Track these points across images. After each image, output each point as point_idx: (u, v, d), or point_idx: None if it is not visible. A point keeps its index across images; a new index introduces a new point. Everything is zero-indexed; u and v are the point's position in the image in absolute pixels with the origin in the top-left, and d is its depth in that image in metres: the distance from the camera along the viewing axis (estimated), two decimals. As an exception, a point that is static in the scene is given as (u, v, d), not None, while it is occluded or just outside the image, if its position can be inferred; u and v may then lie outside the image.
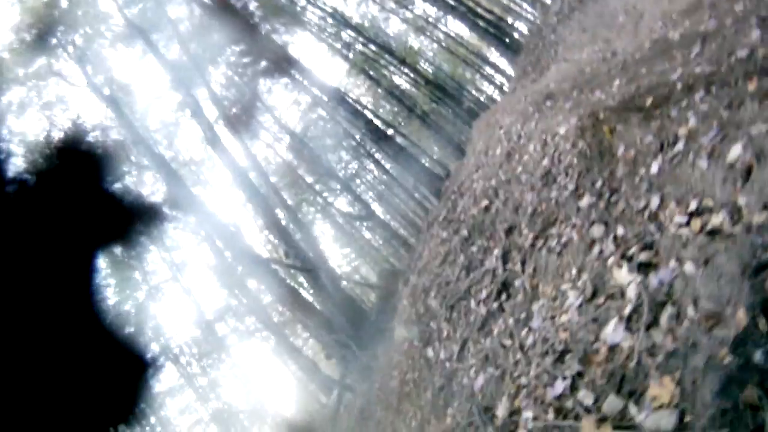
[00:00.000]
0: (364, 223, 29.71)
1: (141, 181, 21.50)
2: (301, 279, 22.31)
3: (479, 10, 21.06)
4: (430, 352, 6.44)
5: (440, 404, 5.35)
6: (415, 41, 28.54)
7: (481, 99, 27.29)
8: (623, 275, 3.17)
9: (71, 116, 19.69)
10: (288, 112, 23.86)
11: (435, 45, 28.63)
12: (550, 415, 2.95)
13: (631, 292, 3.01)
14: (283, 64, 20.57)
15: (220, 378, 28.42)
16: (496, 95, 24.96)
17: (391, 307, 11.46)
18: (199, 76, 15.98)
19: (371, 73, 25.91)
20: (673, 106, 4.07)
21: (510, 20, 24.04)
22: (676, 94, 4.24)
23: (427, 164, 20.17)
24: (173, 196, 17.70)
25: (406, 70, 25.30)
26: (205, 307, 26.71)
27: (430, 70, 27.86)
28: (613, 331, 2.92)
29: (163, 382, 25.54)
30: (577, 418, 2.76)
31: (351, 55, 25.30)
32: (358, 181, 27.15)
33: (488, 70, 27.41)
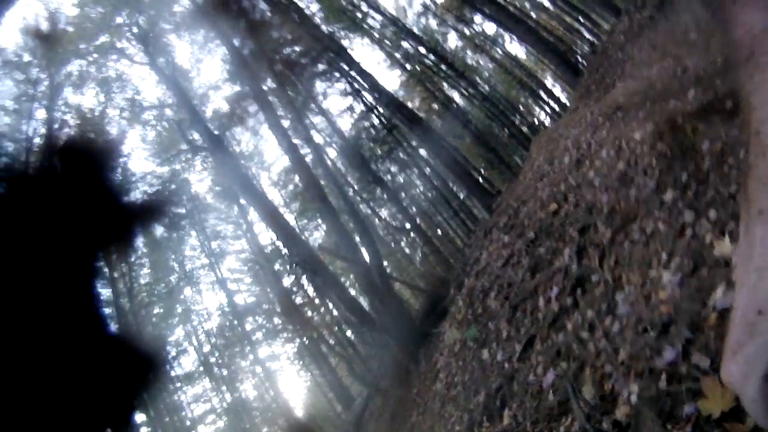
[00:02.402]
0: (406, 237, 29.60)
1: (191, 164, 21.83)
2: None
3: (541, 30, 20.99)
4: (485, 354, 6.29)
5: (495, 405, 5.22)
6: (472, 58, 28.45)
7: (534, 123, 27.17)
8: (725, 246, 3.20)
9: (129, 94, 20.09)
10: (341, 116, 23.94)
11: (492, 64, 28.58)
12: (662, 383, 2.87)
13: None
14: (341, 66, 20.70)
15: (239, 371, 28.48)
16: (548, 122, 24.83)
17: (438, 312, 11.28)
18: (260, 68, 16.12)
19: (428, 84, 25.90)
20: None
21: (572, 40, 23.95)
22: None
23: (479, 180, 19.99)
24: (226, 179, 17.83)
25: (463, 84, 25.23)
26: (236, 299, 26.88)
27: (486, 87, 27.73)
28: (722, 296, 2.93)
29: (182, 367, 25.71)
30: (695, 380, 2.68)
31: (409, 65, 25.35)
32: (403, 194, 27.08)
33: (542, 95, 27.31)
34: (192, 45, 21.04)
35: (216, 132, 15.60)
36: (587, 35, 21.71)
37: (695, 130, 4.60)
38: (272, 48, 17.42)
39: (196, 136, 17.55)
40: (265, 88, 16.07)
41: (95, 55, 19.06)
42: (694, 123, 4.67)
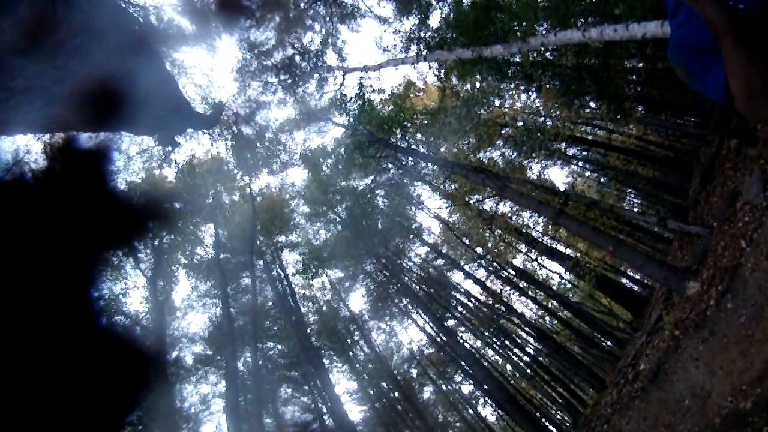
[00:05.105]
0: None
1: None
2: None
3: (519, 397, 21.28)
4: None
5: None
6: (442, 414, 28.23)
7: None
8: None
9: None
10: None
11: (460, 423, 28.19)
12: None
13: None
14: (314, 381, 20.41)
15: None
16: None
17: None
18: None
19: (390, 429, 25.28)
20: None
21: (548, 409, 24.01)
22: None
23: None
24: None
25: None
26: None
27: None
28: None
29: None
30: None
31: (378, 404, 25.09)
32: None
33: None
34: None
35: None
36: (564, 405, 21.90)
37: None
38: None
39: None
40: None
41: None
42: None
